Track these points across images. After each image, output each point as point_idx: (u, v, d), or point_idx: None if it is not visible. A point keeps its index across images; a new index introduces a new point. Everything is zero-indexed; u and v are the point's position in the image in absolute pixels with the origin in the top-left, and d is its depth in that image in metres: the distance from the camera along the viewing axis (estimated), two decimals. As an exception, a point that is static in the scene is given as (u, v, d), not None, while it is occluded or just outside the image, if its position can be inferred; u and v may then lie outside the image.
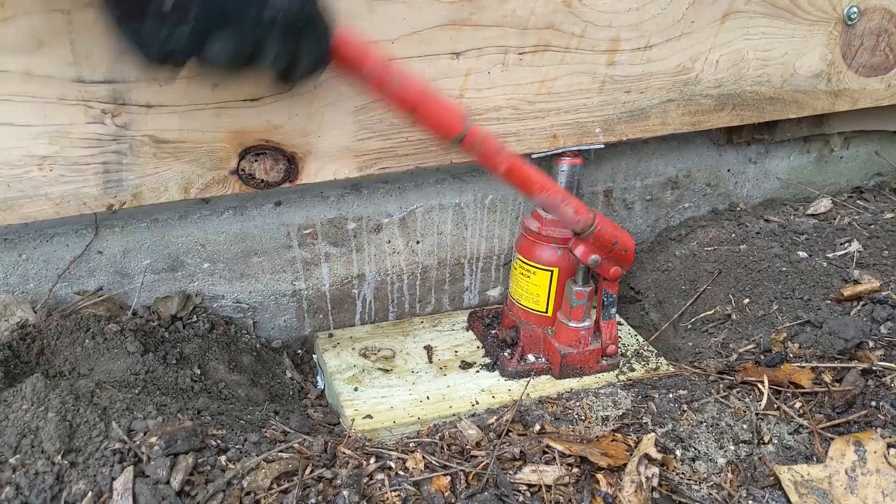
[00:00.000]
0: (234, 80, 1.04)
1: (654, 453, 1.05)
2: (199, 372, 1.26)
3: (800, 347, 1.29)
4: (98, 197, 1.10)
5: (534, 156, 1.32)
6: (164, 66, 0.89)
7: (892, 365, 1.22)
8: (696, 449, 1.11)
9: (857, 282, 1.39)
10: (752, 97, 1.46)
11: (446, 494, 0.97)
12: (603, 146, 1.36)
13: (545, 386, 1.34)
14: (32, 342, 1.15)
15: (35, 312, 1.23)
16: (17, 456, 0.88)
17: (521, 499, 0.98)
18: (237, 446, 1.00)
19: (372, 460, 1.02)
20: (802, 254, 1.50)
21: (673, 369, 1.34)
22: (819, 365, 1.25)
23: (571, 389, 1.29)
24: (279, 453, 1.00)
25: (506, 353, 1.39)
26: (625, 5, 1.25)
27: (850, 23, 1.45)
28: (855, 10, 1.43)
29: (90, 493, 0.87)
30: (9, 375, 1.04)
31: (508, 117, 1.28)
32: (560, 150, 1.32)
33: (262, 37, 0.87)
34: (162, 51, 0.85)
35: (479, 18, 1.17)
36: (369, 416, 1.26)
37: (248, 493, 0.92)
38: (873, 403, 1.17)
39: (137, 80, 1.03)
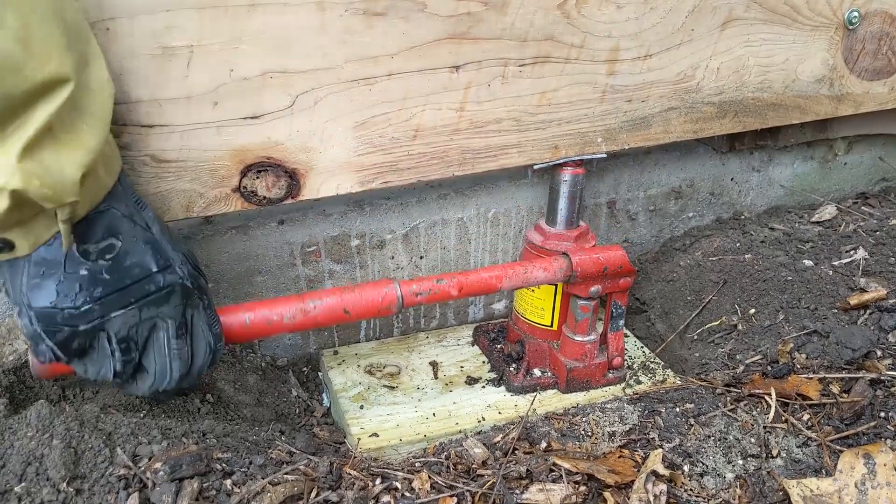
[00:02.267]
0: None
1: (661, 469, 1.04)
2: (205, 393, 1.26)
3: (807, 358, 1.29)
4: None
5: (536, 166, 1.32)
6: (68, 349, 0.91)
7: (901, 375, 1.21)
8: (703, 464, 1.10)
9: (863, 290, 1.38)
10: (754, 104, 1.45)
11: (453, 515, 0.97)
12: (605, 155, 1.35)
13: (551, 401, 1.33)
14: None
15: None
16: (23, 484, 0.88)
17: (528, 518, 0.98)
18: (242, 469, 1.00)
19: (378, 481, 1.02)
20: (808, 262, 1.49)
21: (680, 382, 1.33)
22: (827, 376, 1.24)
23: (578, 404, 1.29)
24: (285, 475, 1.00)
25: (511, 368, 1.39)
26: (624, 15, 1.25)
27: (851, 27, 1.44)
28: (856, 14, 1.43)
29: (96, 521, 0.87)
30: (14, 402, 1.04)
31: (509, 129, 1.28)
32: (562, 161, 1.32)
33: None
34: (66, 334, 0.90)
35: (478, 32, 1.17)
36: (375, 434, 1.25)
37: (253, 518, 0.92)
38: (882, 414, 1.16)
39: (138, 101, 1.03)
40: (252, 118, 1.10)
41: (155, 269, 0.94)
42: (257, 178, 1.15)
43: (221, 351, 1.04)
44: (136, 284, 0.92)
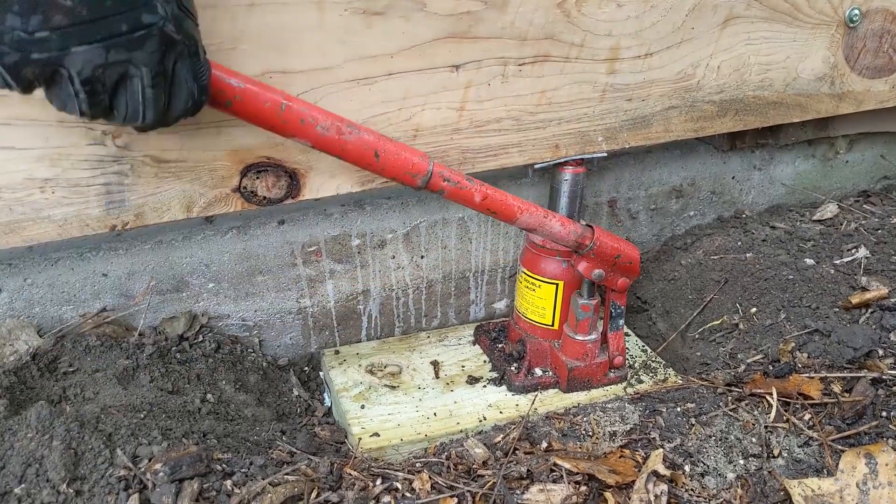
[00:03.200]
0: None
1: (662, 470, 1.04)
2: (206, 393, 1.26)
3: (808, 357, 1.28)
4: (100, 218, 1.10)
5: (536, 166, 1.32)
6: (19, 77, 0.81)
7: (903, 374, 1.21)
8: (704, 464, 1.10)
9: (865, 289, 1.38)
10: (754, 102, 1.45)
11: (453, 516, 0.97)
12: (606, 154, 1.35)
13: (552, 400, 1.33)
14: (38, 367, 1.15)
15: (41, 337, 1.23)
16: (23, 485, 0.88)
17: (528, 519, 0.98)
18: (243, 470, 1.00)
19: (378, 482, 1.02)
20: (809, 261, 1.49)
21: (681, 381, 1.33)
22: (828, 375, 1.24)
23: (579, 404, 1.28)
24: (285, 476, 1.00)
25: (513, 368, 1.39)
26: (624, 14, 1.24)
27: (851, 25, 1.44)
28: (856, 12, 1.42)
29: (96, 522, 0.87)
30: (14, 402, 1.04)
31: (510, 128, 1.27)
32: (563, 160, 1.32)
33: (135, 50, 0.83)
34: (15, 59, 0.79)
35: (477, 31, 1.17)
36: (376, 434, 1.25)
37: (254, 519, 0.92)
38: (884, 414, 1.16)
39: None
40: (252, 118, 1.10)
41: (131, 4, 0.82)
42: (257, 178, 1.15)
43: (203, 104, 0.95)
44: (107, 20, 0.81)
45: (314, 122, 1.01)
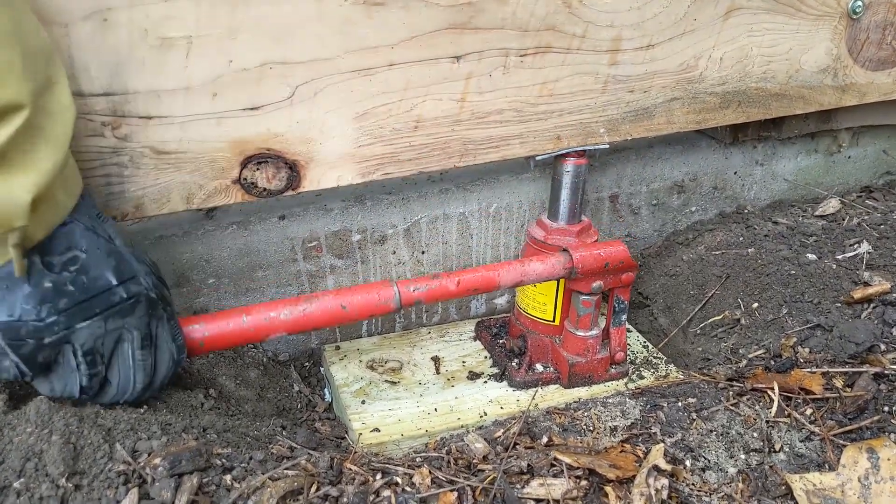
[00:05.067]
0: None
1: (663, 464, 1.03)
2: (207, 388, 1.25)
3: (810, 352, 1.28)
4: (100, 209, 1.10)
5: (538, 157, 1.31)
6: (34, 364, 0.91)
7: (905, 369, 1.20)
8: (706, 459, 1.10)
9: (867, 284, 1.37)
10: (757, 94, 1.44)
11: (453, 510, 0.97)
12: (608, 146, 1.35)
13: (553, 395, 1.33)
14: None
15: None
16: (22, 480, 0.87)
17: (529, 513, 0.97)
18: (242, 465, 0.99)
19: (378, 476, 1.01)
20: (811, 256, 1.49)
21: (682, 377, 1.33)
22: (830, 370, 1.23)
23: (580, 399, 1.28)
24: (285, 471, 0.99)
25: (513, 363, 1.38)
26: (626, 5, 1.24)
27: (855, 16, 1.44)
28: (860, 3, 1.42)
29: (95, 516, 0.87)
30: (13, 398, 1.03)
31: (511, 120, 1.27)
32: (564, 151, 1.31)
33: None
34: (31, 347, 0.89)
35: (478, 22, 1.16)
36: (377, 430, 1.25)
37: (253, 513, 0.92)
38: (886, 409, 1.15)
39: (136, 92, 1.03)
40: (252, 109, 1.10)
41: (119, 281, 0.94)
42: (258, 169, 1.15)
43: (183, 362, 1.05)
44: (101, 295, 0.92)
45: (276, 313, 1.10)
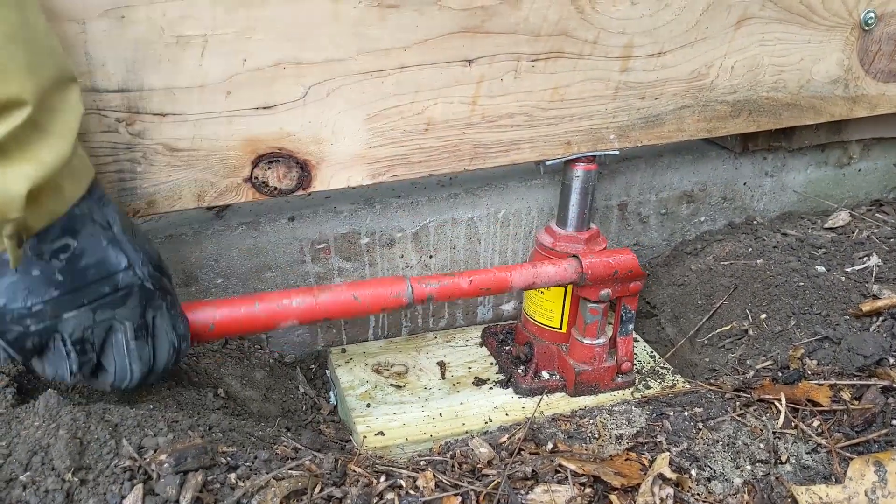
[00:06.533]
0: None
1: (668, 473, 1.03)
2: (216, 388, 1.25)
3: (818, 364, 1.27)
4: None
5: (548, 162, 1.32)
6: (22, 349, 0.91)
7: (913, 383, 1.20)
8: (711, 469, 1.09)
9: (876, 297, 1.37)
10: (768, 103, 1.44)
11: (457, 514, 0.96)
12: (618, 152, 1.35)
13: (559, 403, 1.32)
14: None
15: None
16: (28, 473, 0.88)
17: (533, 519, 0.97)
18: (247, 464, 0.99)
19: (382, 479, 1.01)
20: (820, 268, 1.48)
21: (689, 386, 1.32)
22: (838, 382, 1.22)
23: (585, 407, 1.28)
24: (289, 471, 0.99)
25: (519, 370, 1.38)
26: (638, 12, 1.24)
27: (866, 28, 1.44)
28: (871, 15, 1.42)
29: (99, 512, 0.87)
30: (22, 391, 1.04)
31: (521, 124, 1.27)
32: (574, 156, 1.32)
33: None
34: (17, 333, 0.89)
35: (491, 26, 1.16)
36: (381, 433, 1.25)
37: (257, 512, 0.92)
38: (894, 422, 1.15)
39: (151, 89, 1.03)
40: (264, 108, 1.10)
41: (111, 271, 0.92)
42: (269, 168, 1.15)
43: (187, 350, 1.03)
44: (91, 286, 0.91)
45: (289, 301, 1.09)
